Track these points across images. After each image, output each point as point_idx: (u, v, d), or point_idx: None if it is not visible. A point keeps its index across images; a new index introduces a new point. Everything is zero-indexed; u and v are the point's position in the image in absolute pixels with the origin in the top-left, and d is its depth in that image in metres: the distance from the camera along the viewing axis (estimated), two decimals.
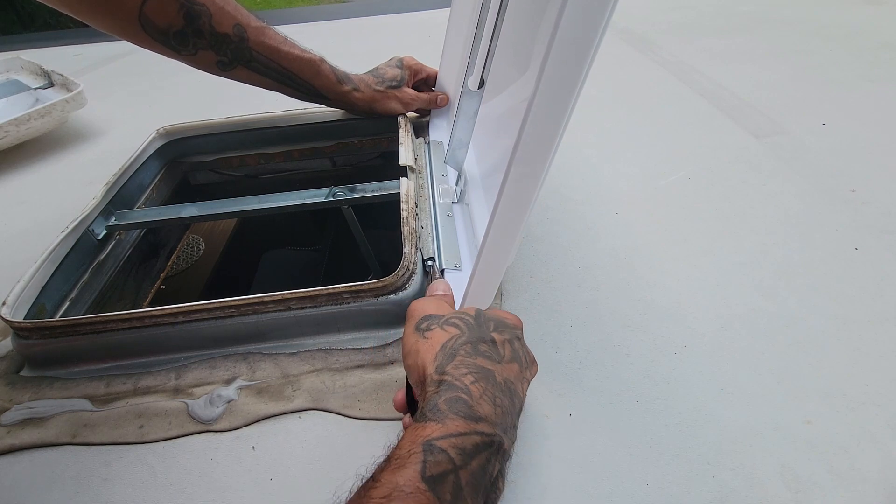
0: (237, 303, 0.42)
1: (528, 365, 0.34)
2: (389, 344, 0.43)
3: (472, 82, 0.54)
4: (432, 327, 0.34)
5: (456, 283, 0.45)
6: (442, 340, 0.32)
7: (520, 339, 0.35)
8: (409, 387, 0.36)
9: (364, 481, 0.26)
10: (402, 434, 0.28)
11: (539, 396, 0.39)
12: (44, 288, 0.48)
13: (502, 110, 0.48)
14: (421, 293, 0.45)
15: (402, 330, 0.44)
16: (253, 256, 1.04)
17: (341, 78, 0.62)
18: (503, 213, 0.34)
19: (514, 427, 0.30)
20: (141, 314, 0.42)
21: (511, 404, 0.30)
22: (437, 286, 0.41)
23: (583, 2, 0.25)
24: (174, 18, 0.50)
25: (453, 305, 0.40)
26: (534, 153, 0.31)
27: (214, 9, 0.51)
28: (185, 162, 0.75)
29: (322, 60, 0.60)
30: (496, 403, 0.29)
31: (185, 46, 0.52)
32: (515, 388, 0.31)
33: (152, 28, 0.50)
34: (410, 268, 0.44)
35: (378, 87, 0.65)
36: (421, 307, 0.36)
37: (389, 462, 0.26)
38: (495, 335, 0.33)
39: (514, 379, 0.31)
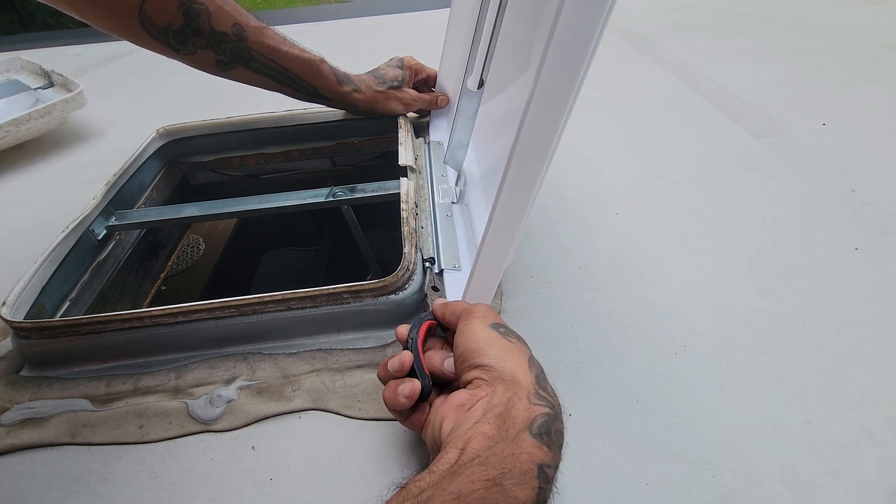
0: (237, 303, 0.42)
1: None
2: (389, 344, 0.43)
3: (472, 82, 0.54)
4: (510, 337, 0.33)
5: (455, 283, 0.45)
6: (526, 353, 0.32)
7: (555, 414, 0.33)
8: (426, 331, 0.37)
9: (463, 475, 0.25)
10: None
11: None
12: (44, 288, 0.48)
13: (502, 110, 0.48)
14: (421, 293, 0.45)
15: None
16: (253, 256, 1.04)
17: (341, 78, 0.62)
18: (502, 213, 0.34)
19: None
20: (141, 314, 0.42)
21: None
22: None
23: (580, 2, 0.25)
24: (174, 17, 0.50)
25: None
26: (532, 153, 0.31)
27: (213, 7, 0.51)
28: (185, 162, 0.75)
29: (322, 61, 0.60)
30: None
31: (185, 45, 0.52)
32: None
33: (152, 26, 0.50)
34: (410, 268, 0.44)
35: (379, 88, 0.65)
36: (486, 310, 0.35)
37: (489, 465, 0.25)
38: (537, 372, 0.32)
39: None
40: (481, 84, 0.53)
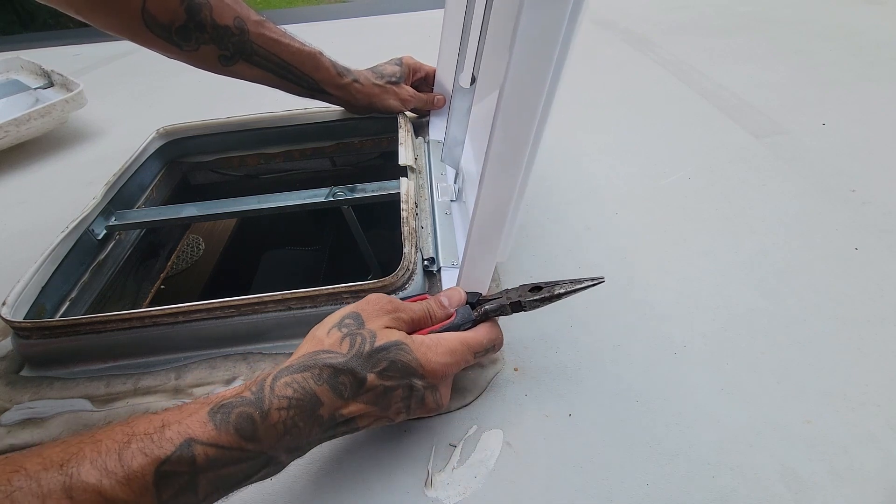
0: (237, 303, 0.42)
1: (402, 410, 0.34)
2: None
3: (464, 79, 0.54)
4: (339, 331, 0.33)
5: (453, 279, 0.45)
6: (321, 346, 0.32)
7: (416, 389, 0.33)
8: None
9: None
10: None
11: (539, 396, 0.39)
12: (44, 288, 0.48)
13: (492, 106, 0.48)
14: (421, 292, 0.45)
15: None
16: (253, 256, 1.04)
17: (341, 71, 0.62)
18: (486, 201, 0.35)
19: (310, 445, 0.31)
20: (141, 314, 0.42)
21: (318, 439, 0.31)
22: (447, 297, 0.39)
23: None
24: (176, 12, 0.50)
25: (425, 319, 0.37)
26: (509, 144, 0.32)
27: (214, 1, 0.51)
28: (185, 162, 0.75)
29: (321, 53, 0.60)
30: (291, 433, 0.29)
31: (188, 41, 0.52)
32: (342, 428, 0.32)
33: (155, 24, 0.50)
34: (410, 268, 0.44)
35: (377, 82, 0.65)
36: (373, 304, 0.35)
37: (169, 414, 0.28)
38: (373, 376, 0.31)
39: (348, 415, 0.31)
40: (473, 80, 0.53)
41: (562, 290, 0.36)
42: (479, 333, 0.37)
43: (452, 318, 0.37)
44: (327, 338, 0.33)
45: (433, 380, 0.34)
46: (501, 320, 0.39)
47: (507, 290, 0.38)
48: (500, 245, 0.38)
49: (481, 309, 0.38)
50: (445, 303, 0.38)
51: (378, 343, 0.32)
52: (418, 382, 0.33)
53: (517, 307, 0.37)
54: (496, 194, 0.34)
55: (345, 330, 0.33)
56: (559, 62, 0.29)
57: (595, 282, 0.37)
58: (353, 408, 0.31)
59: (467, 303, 0.39)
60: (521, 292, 0.37)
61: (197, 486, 0.26)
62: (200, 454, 0.26)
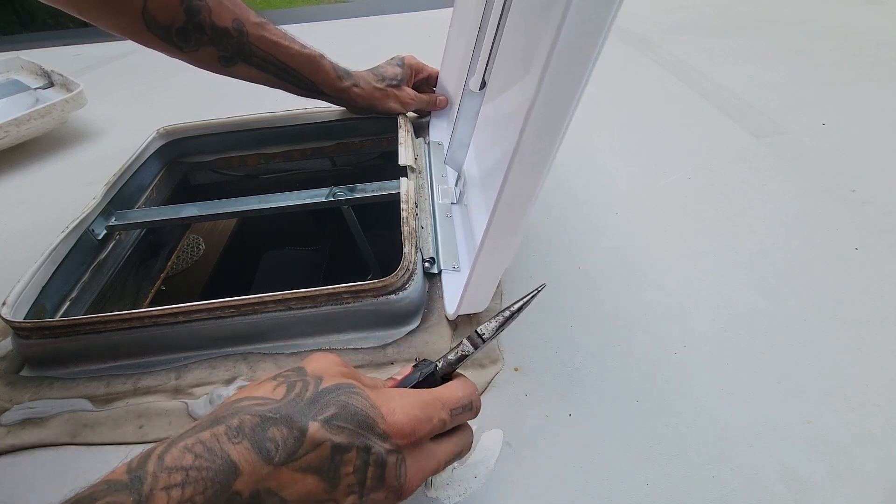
0: (237, 303, 0.42)
1: (355, 489, 0.24)
2: (389, 344, 0.43)
3: (474, 83, 0.54)
4: (274, 380, 0.26)
5: (453, 283, 0.45)
6: (246, 394, 0.25)
7: (375, 452, 0.24)
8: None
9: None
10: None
11: (539, 396, 0.39)
12: (44, 288, 0.48)
13: (503, 112, 0.48)
14: (421, 292, 0.45)
15: (403, 330, 0.44)
16: (253, 256, 1.04)
17: (341, 74, 0.62)
18: (501, 216, 0.34)
19: None
20: (141, 314, 0.42)
21: None
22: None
23: (586, 4, 0.25)
24: (176, 14, 0.50)
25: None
26: (534, 156, 0.31)
27: (213, 3, 0.51)
28: (185, 162, 0.75)
29: (322, 56, 0.60)
30: None
31: (188, 43, 0.52)
32: (271, 501, 0.22)
33: (156, 25, 0.50)
34: (410, 268, 0.44)
35: (378, 85, 0.65)
36: (320, 358, 0.28)
37: None
38: (317, 425, 0.23)
39: (277, 491, 0.22)
40: (483, 85, 0.53)
41: (508, 313, 0.33)
42: (452, 387, 0.29)
43: (408, 373, 0.31)
44: (258, 388, 0.25)
45: (399, 440, 0.25)
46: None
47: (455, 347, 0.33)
48: (511, 254, 0.38)
49: (442, 362, 0.32)
50: (399, 377, 0.31)
51: (325, 385, 0.25)
52: (378, 443, 0.24)
53: (477, 340, 0.32)
54: (515, 206, 0.33)
55: (281, 378, 0.26)
56: (589, 75, 0.28)
57: (538, 290, 0.34)
58: (287, 478, 0.22)
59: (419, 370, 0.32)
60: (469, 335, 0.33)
61: None
62: None
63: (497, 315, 0.33)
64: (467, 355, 0.32)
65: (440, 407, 0.28)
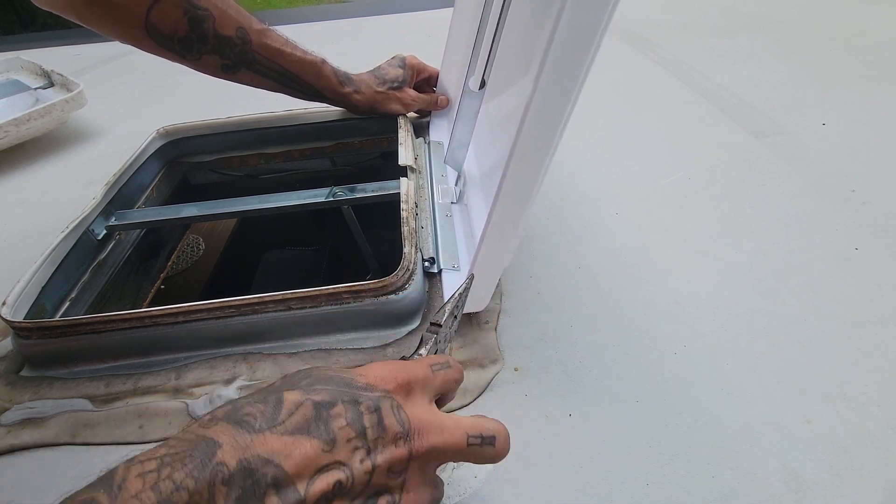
0: (237, 303, 0.42)
1: (357, 444, 0.22)
2: (389, 344, 0.43)
3: (473, 83, 0.54)
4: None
5: (453, 283, 0.45)
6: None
7: (364, 402, 0.23)
8: None
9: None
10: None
11: (539, 396, 0.39)
12: (44, 288, 0.48)
13: (503, 112, 0.48)
14: (421, 292, 0.45)
15: (403, 329, 0.44)
16: (253, 256, 1.03)
17: (342, 80, 0.62)
18: (499, 214, 0.34)
19: None
20: (141, 314, 0.42)
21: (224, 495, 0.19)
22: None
23: (581, 4, 0.25)
24: (179, 24, 0.50)
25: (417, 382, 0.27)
26: (531, 154, 0.31)
27: (217, 12, 0.51)
28: (185, 162, 0.75)
29: (323, 62, 0.60)
30: (167, 499, 0.19)
31: (190, 51, 0.52)
32: (264, 470, 0.20)
33: (158, 35, 0.50)
34: (410, 268, 0.44)
35: (379, 88, 0.65)
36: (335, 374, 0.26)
37: None
38: (290, 394, 0.23)
39: (269, 457, 0.20)
40: (483, 85, 0.53)
41: (451, 306, 0.35)
42: (473, 418, 0.28)
43: None
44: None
45: (384, 385, 0.25)
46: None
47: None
48: (510, 253, 0.38)
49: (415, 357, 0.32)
50: None
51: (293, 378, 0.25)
52: (364, 393, 0.24)
53: (434, 327, 0.33)
54: (513, 204, 0.34)
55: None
56: (586, 73, 0.28)
57: (468, 279, 0.37)
58: (276, 444, 0.21)
59: None
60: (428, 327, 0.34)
61: None
62: None
63: (446, 302, 0.35)
64: (436, 342, 0.33)
65: (421, 362, 0.27)
